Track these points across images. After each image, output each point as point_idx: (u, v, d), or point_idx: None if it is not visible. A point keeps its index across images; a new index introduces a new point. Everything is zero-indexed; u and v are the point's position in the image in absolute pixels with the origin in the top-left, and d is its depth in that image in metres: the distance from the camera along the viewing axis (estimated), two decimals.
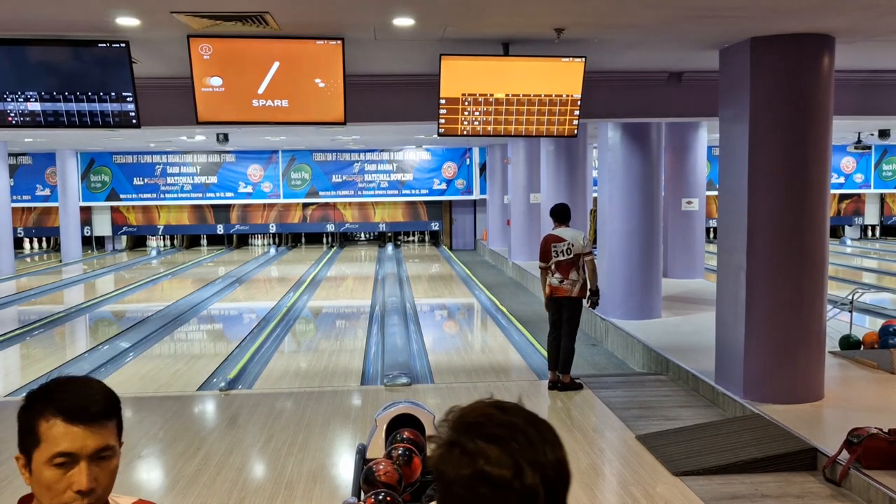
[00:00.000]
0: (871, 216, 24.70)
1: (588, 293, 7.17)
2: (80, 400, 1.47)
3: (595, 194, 12.54)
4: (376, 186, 22.41)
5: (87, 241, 22.37)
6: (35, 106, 5.98)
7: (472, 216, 23.57)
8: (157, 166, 21.92)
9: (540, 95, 6.46)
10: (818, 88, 5.98)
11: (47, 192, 21.95)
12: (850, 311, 8.05)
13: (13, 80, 5.88)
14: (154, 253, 22.73)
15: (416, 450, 4.14)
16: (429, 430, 4.38)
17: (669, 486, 4.88)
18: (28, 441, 1.48)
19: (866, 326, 9.21)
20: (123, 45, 5.75)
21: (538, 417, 1.08)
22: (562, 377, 7.07)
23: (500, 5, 5.03)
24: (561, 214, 7.28)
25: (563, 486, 1.04)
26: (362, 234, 24.52)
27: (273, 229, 23.27)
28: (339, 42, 5.84)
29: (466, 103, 6.45)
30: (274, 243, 23.93)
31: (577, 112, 6.56)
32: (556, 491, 1.02)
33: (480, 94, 6.42)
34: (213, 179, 22.08)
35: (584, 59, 6.32)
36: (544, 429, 1.06)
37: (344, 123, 6.25)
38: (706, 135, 13.03)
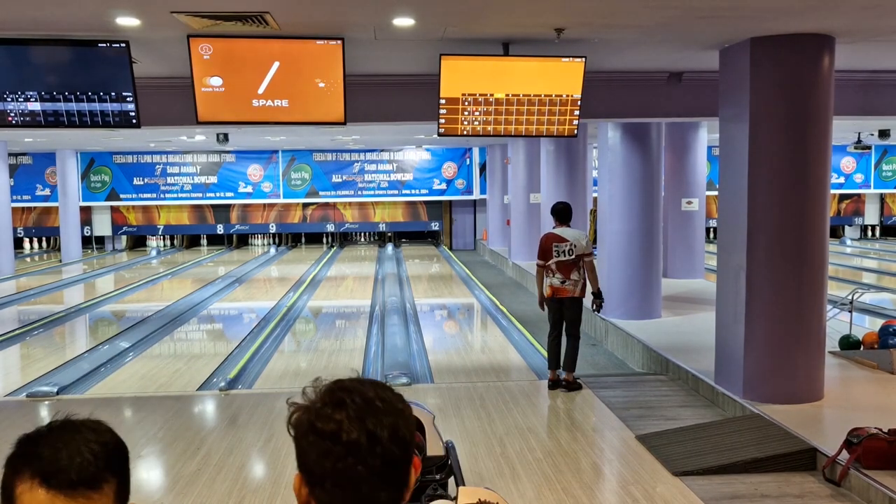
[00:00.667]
0: (871, 216, 24.70)
1: (592, 296, 7.16)
2: (61, 459, 1.16)
3: (595, 194, 12.54)
4: (376, 186, 22.41)
5: (87, 241, 22.38)
6: (35, 106, 5.98)
7: (472, 216, 23.56)
8: (157, 166, 21.92)
9: (540, 95, 6.46)
10: (818, 88, 5.98)
11: (47, 191, 21.95)
12: (850, 311, 8.05)
13: (13, 80, 5.87)
14: (154, 253, 22.72)
15: (417, 450, 4.13)
16: (429, 431, 4.38)
17: (669, 486, 4.88)
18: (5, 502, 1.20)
19: (866, 326, 9.21)
20: (123, 45, 5.75)
21: (394, 395, 1.20)
22: (566, 375, 7.07)
23: (500, 5, 5.03)
24: (563, 214, 7.25)
25: (400, 449, 1.16)
26: (362, 235, 24.53)
27: (273, 229, 23.27)
28: (339, 42, 5.84)
29: (466, 103, 6.44)
30: (274, 243, 23.92)
31: (577, 112, 6.56)
32: (388, 451, 1.14)
33: (480, 94, 6.42)
34: (213, 179, 22.08)
35: (584, 59, 6.32)
36: (393, 402, 1.18)
37: (344, 123, 6.25)
38: (706, 135, 13.02)
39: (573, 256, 7.02)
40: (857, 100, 7.86)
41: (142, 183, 21.96)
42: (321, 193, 22.33)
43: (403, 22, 5.39)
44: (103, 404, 6.90)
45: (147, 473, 5.40)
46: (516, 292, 14.18)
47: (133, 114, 6.07)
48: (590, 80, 6.56)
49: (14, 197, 20.21)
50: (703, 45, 6.33)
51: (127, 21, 5.27)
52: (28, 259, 21.72)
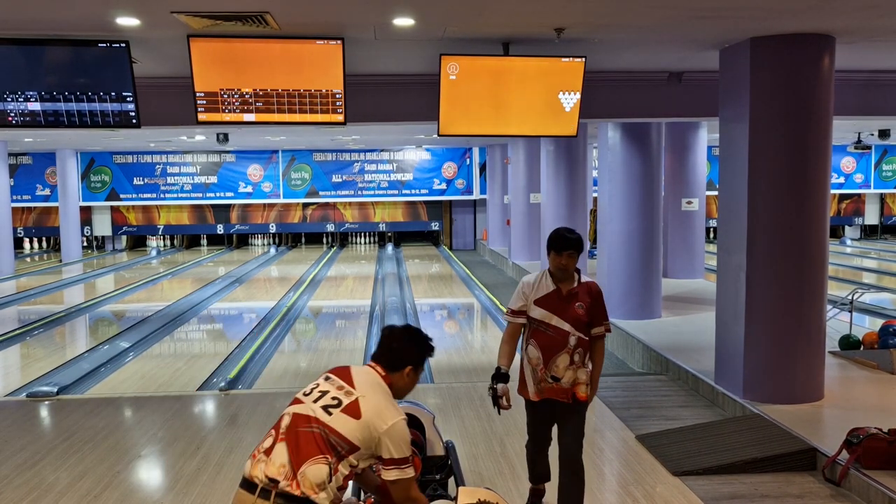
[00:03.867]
0: (871, 216, 24.70)
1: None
2: None
3: (595, 194, 12.53)
4: (376, 186, 22.41)
5: (86, 242, 22.38)
6: (35, 106, 5.98)
7: (472, 216, 23.57)
8: (157, 166, 21.92)
9: None
10: (818, 88, 5.98)
11: (47, 191, 21.95)
12: (850, 311, 8.05)
13: (13, 80, 5.88)
14: (154, 253, 22.73)
15: (416, 450, 4.13)
16: (429, 430, 4.38)
17: (669, 486, 4.88)
18: None
19: (866, 326, 9.21)
20: (123, 45, 5.76)
21: (412, 337, 2.97)
22: None
23: (500, 5, 5.03)
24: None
25: (398, 344, 2.93)
26: (362, 234, 24.52)
27: (273, 229, 23.27)
28: (339, 42, 5.84)
29: None
30: (274, 243, 23.93)
31: (577, 112, 6.56)
32: (394, 345, 2.93)
33: None
34: (213, 179, 22.08)
35: (584, 59, 6.33)
36: (410, 336, 2.98)
37: (344, 123, 6.26)
38: (706, 135, 13.03)
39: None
40: (857, 100, 7.86)
41: (142, 183, 21.96)
42: (321, 193, 22.33)
43: (403, 22, 5.40)
44: (103, 404, 6.90)
45: (147, 473, 5.40)
46: None
47: (133, 114, 6.07)
48: (590, 80, 6.56)
49: (14, 197, 20.22)
50: (703, 45, 6.33)
51: (127, 21, 5.27)
52: (28, 259, 21.71)
